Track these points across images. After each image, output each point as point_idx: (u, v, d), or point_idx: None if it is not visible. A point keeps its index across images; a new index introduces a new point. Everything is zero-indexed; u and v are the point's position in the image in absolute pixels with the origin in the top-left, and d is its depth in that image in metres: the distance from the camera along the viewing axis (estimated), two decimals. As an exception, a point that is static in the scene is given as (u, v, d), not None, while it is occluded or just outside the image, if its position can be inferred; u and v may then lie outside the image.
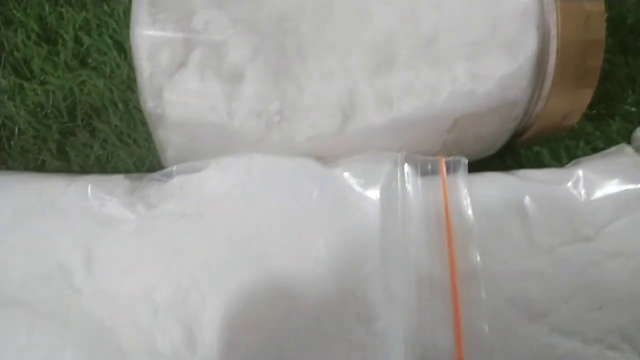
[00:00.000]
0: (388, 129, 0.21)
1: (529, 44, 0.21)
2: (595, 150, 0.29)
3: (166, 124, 0.21)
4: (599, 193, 0.21)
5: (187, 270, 0.17)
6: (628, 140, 0.25)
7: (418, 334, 0.17)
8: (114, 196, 0.19)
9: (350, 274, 0.17)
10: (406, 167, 0.20)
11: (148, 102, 0.20)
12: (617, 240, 0.19)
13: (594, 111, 0.30)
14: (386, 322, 0.17)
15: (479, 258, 0.18)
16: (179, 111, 0.20)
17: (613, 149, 0.24)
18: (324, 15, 0.21)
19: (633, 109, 0.31)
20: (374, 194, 0.19)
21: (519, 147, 0.28)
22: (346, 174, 0.19)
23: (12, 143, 0.27)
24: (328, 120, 0.21)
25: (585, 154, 0.29)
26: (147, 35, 0.20)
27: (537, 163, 0.29)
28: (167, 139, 0.22)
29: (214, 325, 0.16)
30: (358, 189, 0.19)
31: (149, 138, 0.27)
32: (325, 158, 0.21)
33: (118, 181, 0.19)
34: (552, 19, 0.22)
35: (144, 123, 0.28)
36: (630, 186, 0.21)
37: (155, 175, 0.20)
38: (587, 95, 0.23)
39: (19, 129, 0.27)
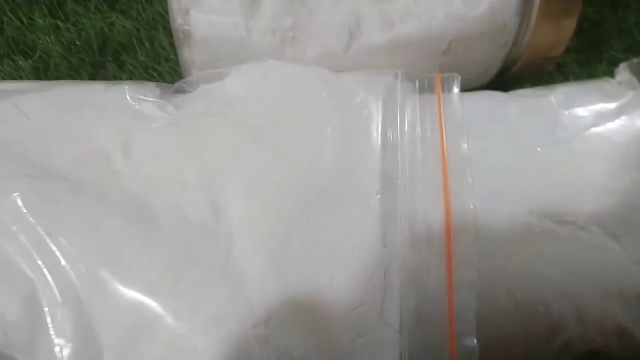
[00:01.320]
0: (389, 48, 0.24)
1: (517, -28, 0.24)
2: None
3: (192, 41, 0.23)
4: (578, 104, 0.23)
5: (212, 155, 0.20)
6: (613, 79, 0.27)
7: (411, 211, 0.19)
8: (148, 97, 0.21)
9: (353, 159, 0.19)
10: (406, 80, 0.22)
11: (177, 20, 0.23)
12: (592, 143, 0.22)
13: (584, 57, 0.32)
14: (383, 199, 0.19)
15: (466, 147, 0.20)
16: (204, 28, 0.23)
17: (595, 79, 0.27)
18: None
19: (620, 55, 0.33)
20: (376, 98, 0.21)
21: (511, 84, 0.30)
22: (352, 81, 0.21)
23: (48, 74, 0.29)
24: (336, 39, 0.23)
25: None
26: (178, -43, 0.22)
27: (528, 100, 0.31)
28: (193, 57, 0.24)
29: (235, 198, 0.19)
30: (362, 94, 0.21)
31: (172, 72, 0.30)
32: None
33: (151, 87, 0.22)
34: (539, -52, 0.24)
35: (168, 59, 0.30)
36: (607, 102, 0.23)
37: (182, 85, 0.23)
38: (570, 26, 0.26)
39: (55, 62, 0.29)
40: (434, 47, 0.24)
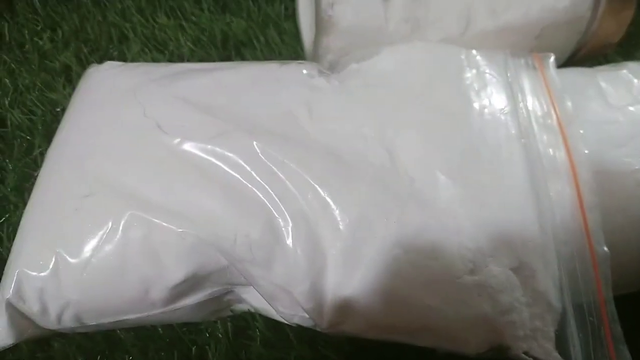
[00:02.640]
0: (496, 33, 0.29)
1: (591, -24, 0.30)
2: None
3: (336, 30, 0.28)
4: (645, 76, 0.29)
5: (381, 115, 0.25)
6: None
7: (544, 152, 0.25)
8: (315, 74, 0.26)
9: (497, 110, 0.25)
10: (514, 57, 0.28)
11: (327, 12, 0.28)
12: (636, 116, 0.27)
13: (623, 48, 0.39)
14: (525, 141, 0.24)
15: (570, 104, 0.25)
16: (349, 18, 0.28)
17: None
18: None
19: (651, 46, 0.39)
20: (498, 67, 0.27)
21: (574, 63, 0.36)
22: (477, 55, 0.27)
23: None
24: (454, 25, 0.29)
25: (617, 77, 0.37)
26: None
27: (583, 82, 0.37)
28: (332, 44, 0.29)
29: (407, 146, 0.24)
30: (488, 63, 0.27)
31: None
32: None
33: (313, 66, 0.27)
34: (605, -40, 0.30)
35: (281, 53, 0.35)
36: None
37: (332, 64, 0.28)
38: (629, 16, 0.32)
39: (187, 56, 0.34)
40: (529, 32, 0.30)
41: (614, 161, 0.25)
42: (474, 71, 0.26)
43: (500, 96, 0.25)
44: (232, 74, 0.26)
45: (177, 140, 0.23)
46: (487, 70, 0.26)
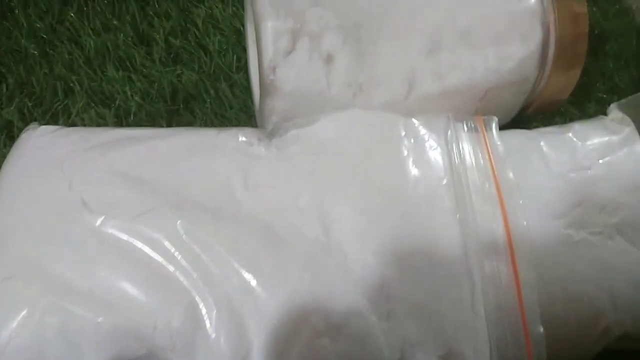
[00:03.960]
0: (440, 96, 0.29)
1: (537, 36, 0.30)
2: (578, 125, 0.38)
3: (279, 93, 0.28)
4: (590, 140, 0.28)
5: (318, 186, 0.24)
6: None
7: (480, 226, 0.24)
8: (254, 140, 0.26)
9: (435, 183, 0.24)
10: (456, 122, 0.27)
11: (269, 76, 0.28)
12: (606, 170, 0.27)
13: (575, 98, 0.39)
14: (460, 216, 0.24)
15: (512, 175, 0.25)
16: (291, 83, 0.28)
17: (595, 118, 0.33)
18: (387, 13, 0.29)
19: (604, 96, 0.40)
20: (438, 136, 0.26)
21: (524, 125, 0.36)
22: (419, 123, 0.27)
23: (129, 120, 0.33)
24: (398, 88, 0.29)
25: (571, 129, 0.37)
26: (272, 26, 0.27)
27: (536, 135, 0.37)
28: (276, 106, 0.29)
29: (342, 219, 0.24)
30: (428, 132, 0.26)
31: (238, 118, 0.34)
32: (395, 117, 0.29)
33: (252, 131, 0.26)
34: (552, 18, 0.30)
35: (232, 106, 0.35)
36: (612, 136, 0.29)
37: (274, 130, 0.27)
38: (576, 74, 0.32)
39: (134, 110, 0.33)
40: (474, 94, 0.30)
41: (554, 233, 0.25)
42: (412, 140, 0.26)
43: (438, 167, 0.25)
44: (168, 142, 0.25)
45: (100, 220, 0.22)
46: (427, 139, 0.26)
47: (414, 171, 0.25)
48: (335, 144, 0.26)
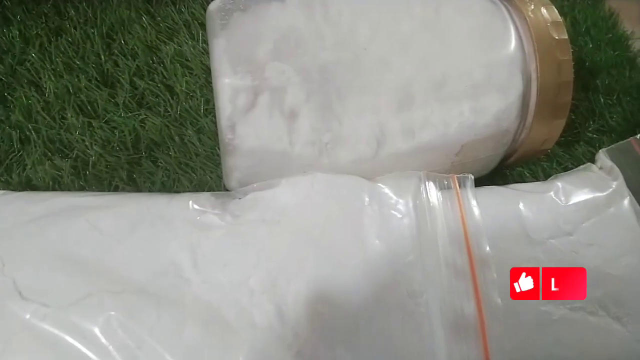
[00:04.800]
0: (411, 153, 0.27)
1: (516, 86, 0.28)
2: (566, 169, 0.35)
3: (239, 152, 0.26)
4: (574, 199, 0.27)
5: (273, 262, 0.22)
6: (592, 160, 0.31)
7: (450, 305, 0.22)
8: (207, 208, 0.24)
9: (399, 261, 0.22)
10: (428, 182, 0.26)
11: (227, 135, 0.26)
12: (590, 234, 0.25)
13: (563, 138, 0.37)
14: (427, 296, 0.22)
15: (488, 248, 0.23)
16: (251, 142, 0.26)
17: (581, 167, 0.31)
18: (355, 65, 0.27)
19: (594, 136, 0.37)
20: (407, 202, 0.24)
21: (506, 169, 0.34)
22: (385, 187, 0.25)
23: (87, 173, 0.31)
24: (366, 147, 0.27)
25: (557, 173, 0.35)
26: (229, 83, 0.25)
27: (520, 181, 0.35)
28: (237, 164, 0.27)
29: (298, 301, 0.22)
30: (395, 197, 0.24)
31: (204, 167, 0.32)
32: (364, 177, 0.27)
33: (207, 197, 0.25)
34: (533, 66, 0.28)
35: (198, 154, 0.33)
36: (597, 194, 0.27)
37: (233, 193, 0.25)
38: (560, 125, 0.30)
39: (92, 161, 0.32)
40: (448, 150, 0.28)
41: (530, 311, 0.23)
42: (377, 209, 0.24)
43: (404, 240, 0.23)
44: (112, 216, 0.23)
45: (32, 309, 0.20)
46: (394, 207, 0.24)
47: (377, 246, 0.23)
48: (294, 212, 0.24)
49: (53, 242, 0.22)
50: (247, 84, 0.25)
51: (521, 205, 0.26)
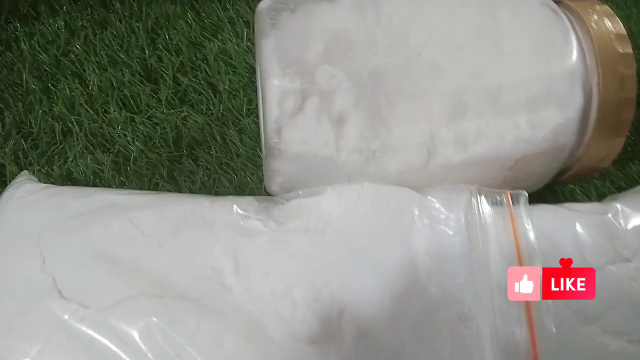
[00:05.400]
0: (463, 165, 0.26)
1: (576, 100, 0.26)
2: (619, 189, 0.34)
3: (283, 156, 0.25)
4: (633, 223, 0.25)
5: (317, 274, 0.22)
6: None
7: (501, 331, 0.21)
8: (250, 213, 0.23)
9: (449, 281, 0.21)
10: (480, 197, 0.24)
11: (273, 139, 0.25)
12: (651, 261, 0.24)
13: (617, 157, 0.35)
14: (478, 320, 0.21)
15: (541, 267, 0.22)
16: (297, 146, 0.25)
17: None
18: (406, 70, 0.26)
19: (652, 154, 0.36)
20: (459, 218, 0.23)
21: (557, 186, 0.33)
22: (435, 200, 0.24)
23: (128, 168, 0.31)
24: (415, 156, 0.26)
25: (610, 192, 0.34)
26: (278, 85, 0.24)
27: (571, 199, 0.33)
28: (281, 168, 0.26)
29: (342, 318, 0.21)
30: (446, 212, 0.23)
31: (244, 168, 0.32)
32: (412, 188, 0.26)
33: (250, 201, 0.24)
34: (595, 80, 0.27)
35: (239, 155, 0.32)
36: (659, 217, 0.26)
37: (276, 198, 0.25)
38: (620, 143, 0.28)
39: (133, 156, 0.31)
40: (502, 164, 0.26)
41: (586, 341, 0.22)
42: (427, 223, 0.23)
43: (455, 261, 0.22)
44: (154, 216, 0.23)
45: (71, 309, 0.20)
46: (444, 222, 0.23)
47: (427, 263, 0.22)
48: (339, 222, 0.23)
49: (95, 240, 0.22)
50: (296, 87, 0.24)
51: (578, 227, 0.25)
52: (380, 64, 0.26)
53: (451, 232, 0.22)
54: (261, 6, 0.27)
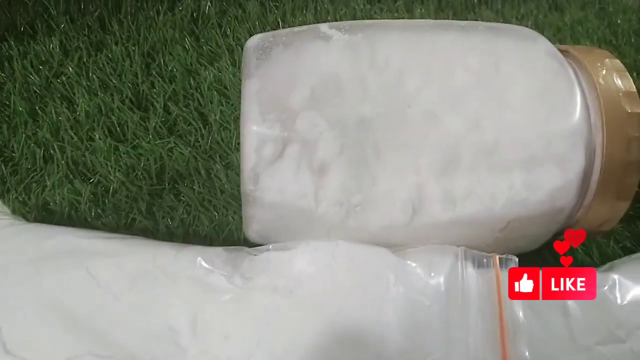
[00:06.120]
0: (451, 225, 0.24)
1: (578, 161, 0.25)
2: (624, 249, 0.32)
3: (259, 204, 0.24)
4: (631, 297, 0.23)
5: (280, 341, 0.20)
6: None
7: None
8: (216, 267, 0.22)
9: (421, 358, 0.20)
10: (466, 261, 0.23)
11: (248, 186, 0.24)
12: (648, 344, 0.22)
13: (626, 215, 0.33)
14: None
15: (527, 353, 0.20)
16: (274, 195, 0.24)
17: (643, 254, 0.27)
18: (399, 118, 0.25)
19: (663, 212, 0.33)
20: (439, 283, 0.22)
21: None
22: (415, 265, 0.22)
23: (106, 200, 0.30)
24: (400, 213, 0.24)
25: (615, 252, 0.32)
26: (257, 131, 0.23)
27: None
28: (257, 216, 0.25)
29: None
30: (426, 278, 0.22)
31: (227, 206, 0.30)
32: (393, 246, 0.24)
33: (218, 253, 0.22)
34: (599, 140, 0.25)
35: (223, 191, 0.31)
36: (662, 292, 0.24)
37: (248, 249, 0.23)
38: (623, 207, 0.26)
39: (113, 188, 0.30)
40: (492, 225, 0.25)
41: None
42: (402, 294, 0.21)
43: (430, 334, 0.20)
44: (112, 265, 0.21)
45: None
46: (422, 292, 0.21)
47: (396, 339, 0.20)
48: (309, 283, 0.21)
49: (48, 290, 0.21)
50: (276, 134, 0.23)
51: (569, 301, 0.23)
52: (371, 111, 0.25)
53: (428, 302, 0.21)
54: (249, 43, 0.26)
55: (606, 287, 0.24)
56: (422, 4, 0.42)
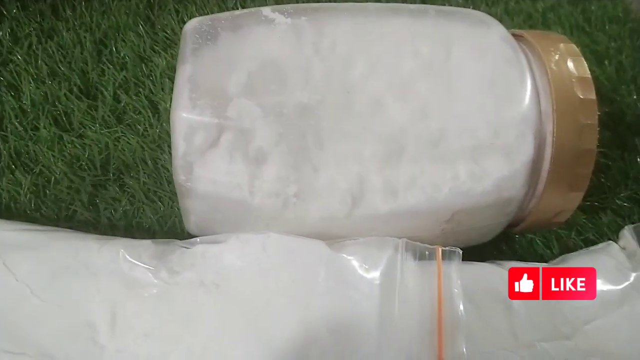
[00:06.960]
0: (392, 216, 0.23)
1: (526, 150, 0.24)
2: (586, 241, 0.31)
3: (193, 195, 0.23)
4: (581, 293, 0.22)
5: (200, 339, 0.19)
6: (618, 234, 0.27)
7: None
8: (141, 261, 0.21)
9: (349, 356, 0.19)
10: (406, 254, 0.22)
11: (180, 176, 0.23)
12: (593, 340, 0.21)
13: (587, 202, 0.32)
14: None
15: (464, 349, 0.19)
16: (206, 186, 0.23)
17: (600, 246, 0.26)
18: (343, 106, 0.24)
19: (625, 204, 0.33)
20: (374, 277, 0.21)
21: (516, 234, 0.30)
22: (351, 258, 0.21)
23: (47, 191, 0.29)
24: (339, 204, 0.23)
25: (576, 244, 0.31)
26: (186, 118, 0.22)
27: (530, 250, 0.31)
28: (192, 207, 0.24)
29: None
30: (361, 272, 0.21)
31: (173, 198, 0.29)
32: (333, 237, 0.23)
33: (146, 246, 0.21)
34: (549, 128, 0.24)
35: (169, 182, 0.30)
36: (611, 287, 0.23)
37: (179, 242, 0.22)
38: (577, 198, 0.25)
39: (55, 178, 0.29)
40: (436, 217, 0.24)
41: None
42: (332, 288, 0.20)
43: (360, 331, 0.19)
44: (33, 259, 0.21)
45: None
46: (355, 287, 0.20)
47: (322, 337, 0.19)
48: (237, 278, 0.20)
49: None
50: (207, 121, 0.22)
51: (514, 297, 0.22)
52: (312, 99, 0.23)
53: (359, 297, 0.20)
54: (187, 27, 0.25)
55: (554, 281, 0.23)
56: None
